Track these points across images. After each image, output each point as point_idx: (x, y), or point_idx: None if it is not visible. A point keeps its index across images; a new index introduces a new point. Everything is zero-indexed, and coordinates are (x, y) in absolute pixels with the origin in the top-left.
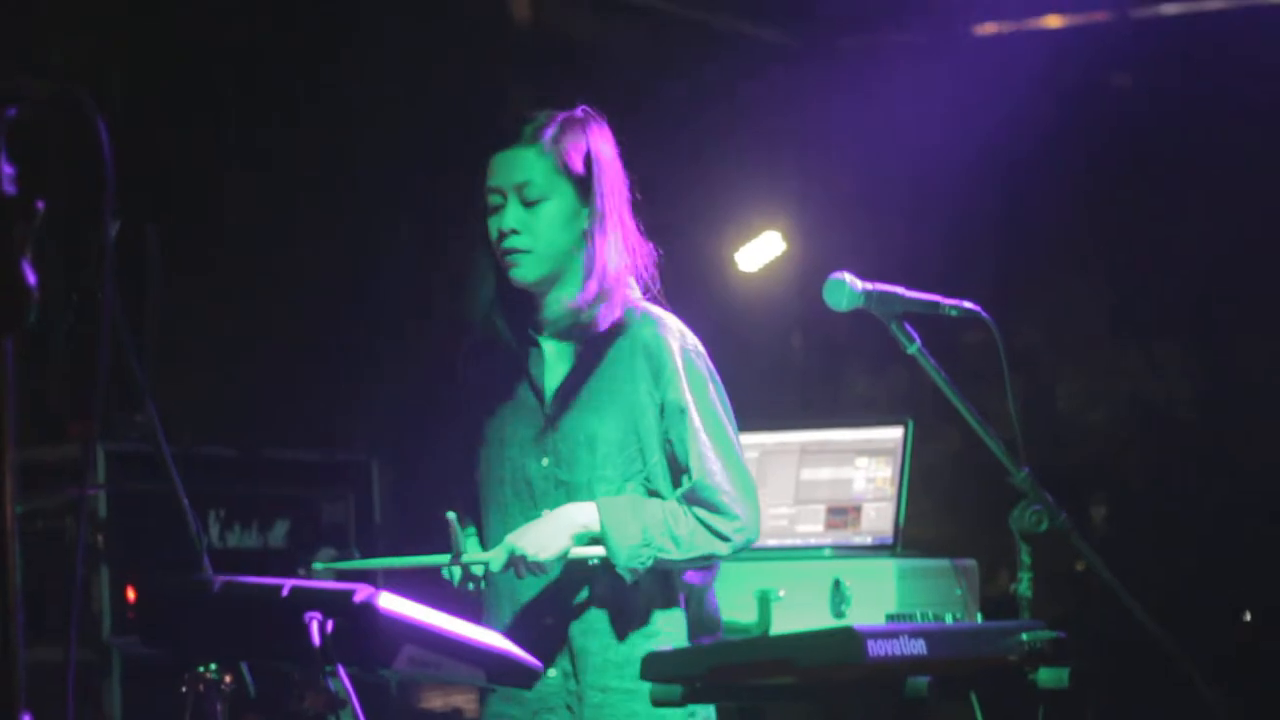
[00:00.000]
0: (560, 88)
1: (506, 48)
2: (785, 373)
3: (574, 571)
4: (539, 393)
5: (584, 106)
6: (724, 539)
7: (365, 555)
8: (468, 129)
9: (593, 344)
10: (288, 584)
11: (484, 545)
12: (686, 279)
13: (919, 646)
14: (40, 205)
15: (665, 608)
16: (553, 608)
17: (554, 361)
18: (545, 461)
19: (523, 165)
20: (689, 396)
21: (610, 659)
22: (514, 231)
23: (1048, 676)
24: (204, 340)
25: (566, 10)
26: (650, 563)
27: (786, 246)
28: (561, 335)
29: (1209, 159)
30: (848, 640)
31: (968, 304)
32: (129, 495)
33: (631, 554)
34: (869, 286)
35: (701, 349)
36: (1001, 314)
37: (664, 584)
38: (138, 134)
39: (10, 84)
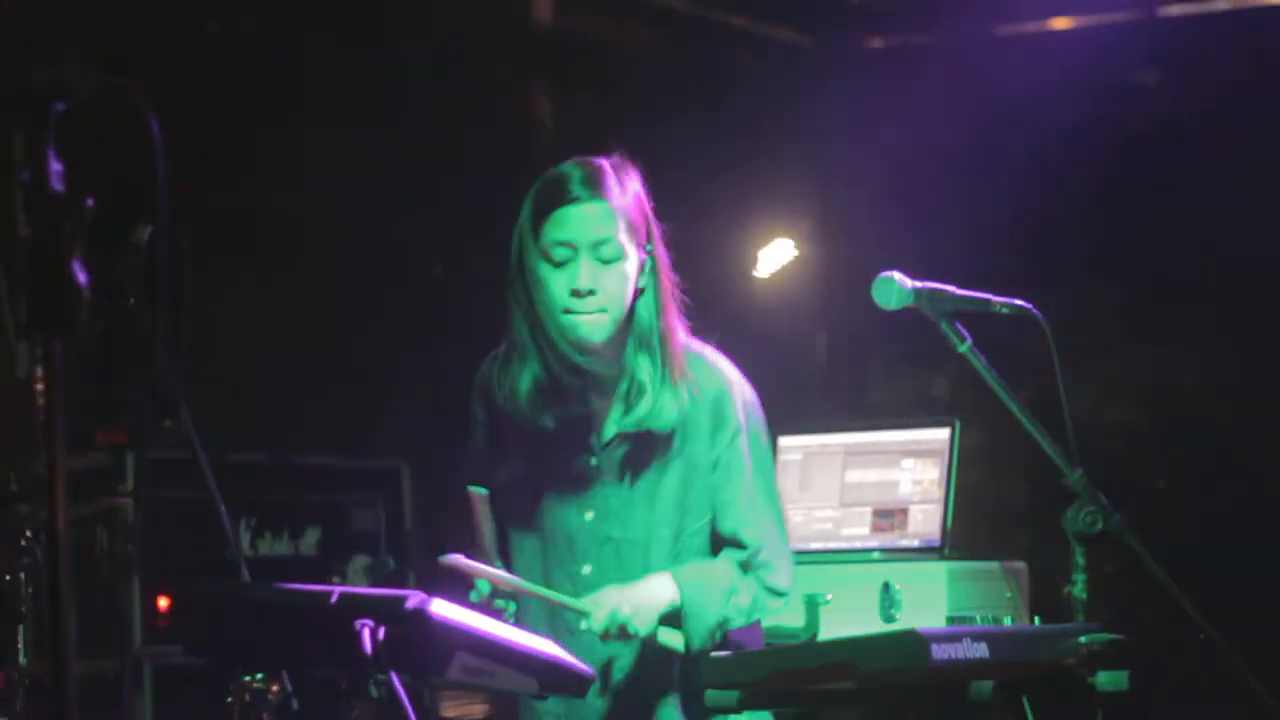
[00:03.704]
0: (580, 89)
1: (526, 48)
2: (809, 377)
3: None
4: (588, 445)
5: (619, 153)
6: (779, 595)
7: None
8: (489, 132)
9: (665, 427)
10: (336, 590)
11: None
12: (707, 283)
13: (981, 650)
14: (90, 203)
15: None
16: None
17: (606, 411)
18: (589, 516)
19: (600, 222)
20: (746, 457)
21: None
22: (590, 292)
23: (1107, 680)
24: (233, 346)
25: (586, 11)
26: (720, 638)
27: (800, 252)
28: (618, 391)
29: (1235, 158)
30: (912, 644)
31: (1019, 301)
32: (158, 503)
33: (707, 636)
34: (919, 285)
35: (757, 399)
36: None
37: None
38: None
39: (58, 77)
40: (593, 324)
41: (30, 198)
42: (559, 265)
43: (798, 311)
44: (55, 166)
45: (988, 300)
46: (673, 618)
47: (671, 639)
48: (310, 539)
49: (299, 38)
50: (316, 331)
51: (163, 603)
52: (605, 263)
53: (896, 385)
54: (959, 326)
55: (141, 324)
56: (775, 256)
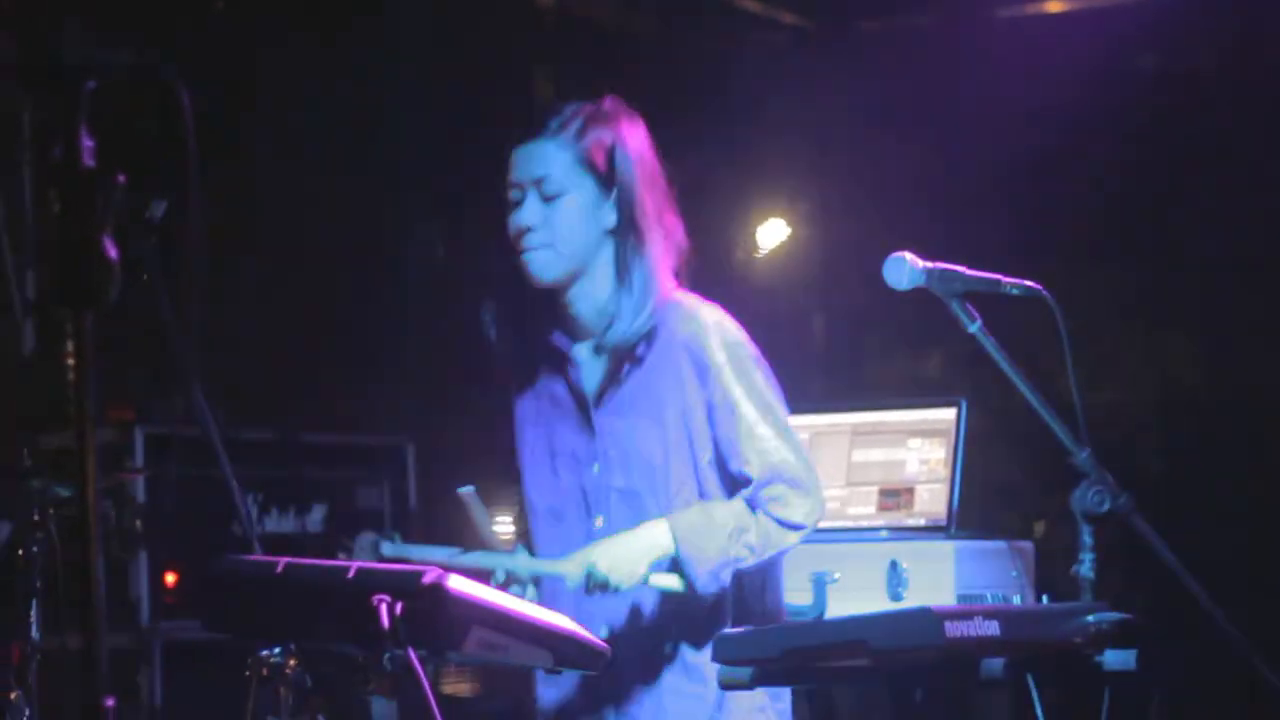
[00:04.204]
0: (580, 71)
1: (528, 30)
2: (807, 357)
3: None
4: (581, 399)
5: (612, 98)
6: (795, 528)
7: (402, 540)
8: (490, 113)
9: (628, 345)
10: (354, 565)
11: (533, 553)
12: (704, 262)
13: (993, 628)
14: (122, 178)
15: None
16: (608, 616)
17: (590, 365)
18: (595, 469)
19: (542, 159)
20: (737, 391)
21: (670, 662)
22: (530, 228)
23: (1114, 659)
24: (240, 324)
25: None
26: (728, 581)
27: (797, 233)
28: (594, 338)
29: (1234, 143)
30: (925, 621)
31: (1029, 283)
32: (166, 479)
33: (710, 579)
34: (929, 265)
35: (742, 336)
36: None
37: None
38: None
39: (90, 56)
40: (539, 261)
41: (62, 173)
42: (513, 207)
43: (795, 291)
44: (87, 143)
45: (998, 281)
46: (674, 565)
47: (667, 581)
48: (316, 516)
49: (298, 32)
50: (321, 314)
51: (170, 578)
52: (548, 199)
53: (893, 365)
54: (969, 307)
55: (155, 301)
56: (769, 236)
